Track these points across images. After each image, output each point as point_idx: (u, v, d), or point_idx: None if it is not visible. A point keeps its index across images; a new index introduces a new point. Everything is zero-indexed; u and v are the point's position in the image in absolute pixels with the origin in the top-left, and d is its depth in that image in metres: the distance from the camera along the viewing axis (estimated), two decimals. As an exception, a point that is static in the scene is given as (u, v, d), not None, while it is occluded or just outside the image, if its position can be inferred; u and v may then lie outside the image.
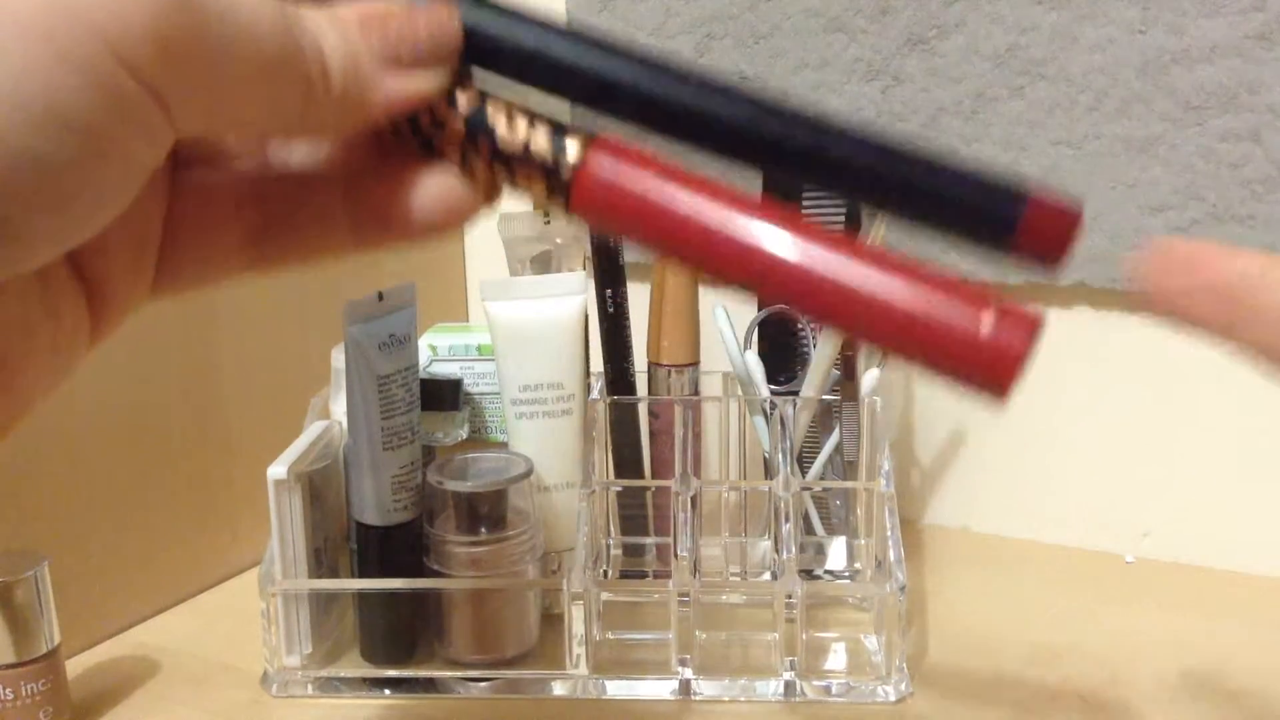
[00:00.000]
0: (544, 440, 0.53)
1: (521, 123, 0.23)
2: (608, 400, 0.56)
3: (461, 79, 0.24)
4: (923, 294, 0.20)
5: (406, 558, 0.50)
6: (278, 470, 0.48)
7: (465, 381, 0.58)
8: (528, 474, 0.50)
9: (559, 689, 0.49)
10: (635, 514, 0.59)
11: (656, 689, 0.49)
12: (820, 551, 0.58)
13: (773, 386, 0.56)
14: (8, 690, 0.43)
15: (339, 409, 0.53)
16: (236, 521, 0.61)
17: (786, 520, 0.50)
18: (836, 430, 0.55)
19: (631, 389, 0.57)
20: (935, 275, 0.21)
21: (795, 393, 0.54)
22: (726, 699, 0.48)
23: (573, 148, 0.23)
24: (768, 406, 0.54)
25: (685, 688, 0.49)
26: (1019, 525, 0.66)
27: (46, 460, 0.51)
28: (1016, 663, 0.51)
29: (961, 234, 0.23)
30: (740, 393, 0.56)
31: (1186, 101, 0.56)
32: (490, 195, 0.24)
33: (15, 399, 0.21)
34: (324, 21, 0.22)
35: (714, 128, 0.23)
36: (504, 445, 0.55)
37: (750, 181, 0.55)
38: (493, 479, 0.49)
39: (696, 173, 0.22)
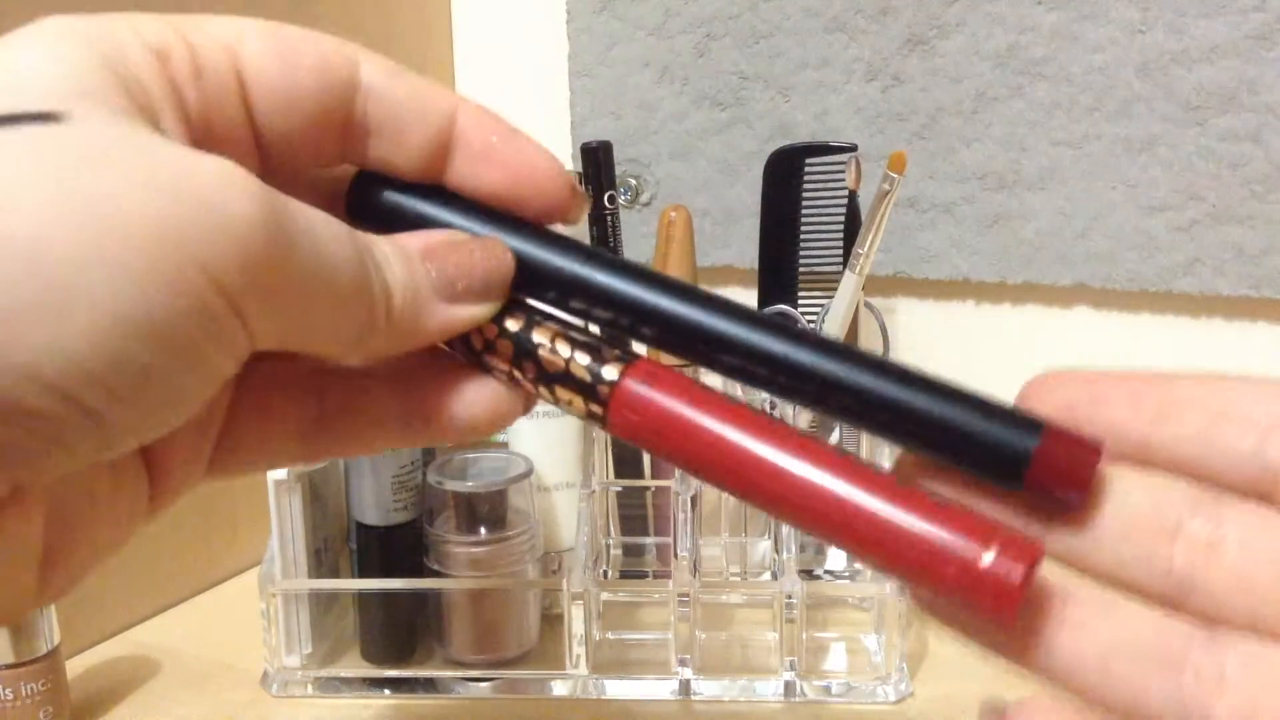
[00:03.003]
0: (544, 440, 0.53)
1: (563, 346, 0.25)
2: (608, 400, 0.56)
3: (510, 303, 0.25)
4: (930, 529, 0.22)
5: (406, 558, 0.50)
6: (278, 470, 0.48)
7: (465, 381, 0.58)
8: (528, 474, 0.50)
9: (559, 689, 0.49)
10: (635, 514, 0.59)
11: (656, 689, 0.49)
12: (820, 551, 0.58)
13: (773, 386, 0.55)
14: (8, 690, 0.43)
15: (339, 409, 0.53)
16: (236, 521, 0.60)
17: (786, 520, 0.50)
18: (836, 430, 0.55)
19: (631, 389, 0.57)
20: (943, 507, 0.22)
21: (795, 393, 0.54)
22: (726, 699, 0.48)
23: (610, 372, 0.24)
24: (768, 406, 0.54)
25: (685, 688, 0.49)
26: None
27: (46, 460, 0.51)
28: (1016, 663, 0.51)
29: (971, 466, 0.23)
30: (740, 392, 0.56)
31: (1186, 101, 0.56)
32: (531, 402, 0.26)
33: (71, 569, 0.22)
34: (390, 253, 0.23)
35: (720, 347, 0.24)
36: (504, 445, 0.55)
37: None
38: (493, 479, 0.49)
39: (730, 399, 0.24)
